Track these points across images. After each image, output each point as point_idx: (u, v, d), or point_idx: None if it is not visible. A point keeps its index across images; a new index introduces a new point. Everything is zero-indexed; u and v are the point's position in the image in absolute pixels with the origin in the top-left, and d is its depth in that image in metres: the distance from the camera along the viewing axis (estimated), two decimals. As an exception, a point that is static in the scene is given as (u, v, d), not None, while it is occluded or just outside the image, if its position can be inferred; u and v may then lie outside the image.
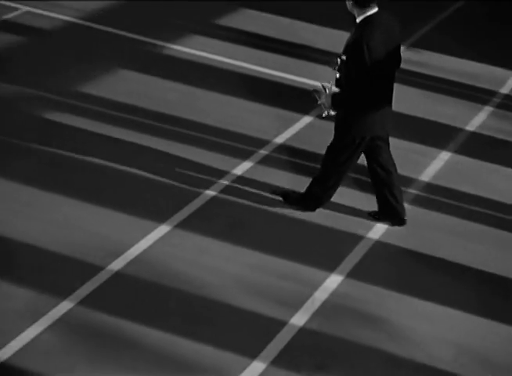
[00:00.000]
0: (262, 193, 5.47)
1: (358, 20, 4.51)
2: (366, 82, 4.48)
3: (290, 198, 5.30)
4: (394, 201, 5.02)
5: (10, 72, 6.93)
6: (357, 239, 5.11)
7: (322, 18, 8.26)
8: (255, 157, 5.89)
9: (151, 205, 5.30)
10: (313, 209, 5.24)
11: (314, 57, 7.47)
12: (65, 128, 6.12)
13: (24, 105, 6.42)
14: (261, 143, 6.06)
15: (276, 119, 6.36)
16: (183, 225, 5.14)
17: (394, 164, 5.02)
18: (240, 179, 5.60)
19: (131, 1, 8.50)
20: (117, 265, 4.74)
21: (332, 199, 5.38)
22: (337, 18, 8.27)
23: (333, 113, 4.75)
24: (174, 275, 4.70)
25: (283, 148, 5.99)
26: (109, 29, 7.84)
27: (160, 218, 5.18)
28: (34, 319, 4.30)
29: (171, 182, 5.55)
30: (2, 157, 5.73)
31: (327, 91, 4.66)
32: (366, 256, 4.96)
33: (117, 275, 4.67)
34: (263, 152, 5.96)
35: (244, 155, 5.88)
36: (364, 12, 4.46)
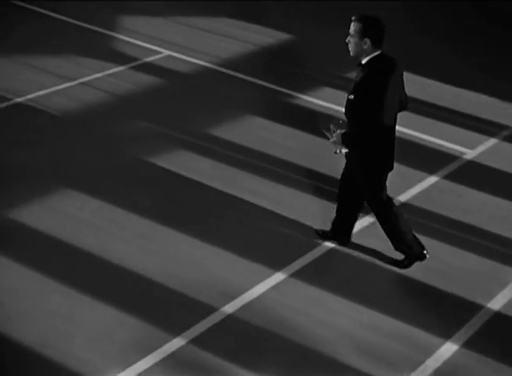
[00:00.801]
0: (380, 250, 5.39)
1: (364, 61, 4.70)
2: (375, 120, 4.65)
3: (403, 263, 5.22)
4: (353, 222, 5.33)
5: (148, 111, 7.28)
6: (476, 307, 4.92)
7: (463, 81, 8.17)
8: (376, 212, 5.83)
9: (268, 252, 5.35)
10: (416, 255, 5.15)
11: (441, 115, 7.38)
12: (191, 168, 6.33)
13: (156, 143, 6.72)
14: (383, 200, 5.99)
15: (400, 177, 6.29)
16: (298, 275, 5.14)
17: None
18: (359, 234, 5.55)
19: (266, 51, 8.76)
20: (230, 307, 4.81)
21: (453, 263, 5.23)
22: (482, 82, 8.15)
23: (344, 150, 4.89)
24: (283, 323, 4.70)
25: (405, 206, 5.90)
26: (244, 76, 8.10)
27: (277, 265, 5.22)
28: (146, 353, 4.42)
29: (291, 230, 5.60)
30: (129, 192, 5.99)
31: (337, 130, 4.79)
32: (484, 326, 4.76)
33: (229, 317, 4.73)
34: (384, 208, 5.89)
35: (363, 210, 5.84)
36: (372, 52, 4.67)
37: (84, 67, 8.16)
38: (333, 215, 5.33)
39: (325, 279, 5.11)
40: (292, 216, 5.76)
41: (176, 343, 4.49)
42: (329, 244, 5.45)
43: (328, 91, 7.76)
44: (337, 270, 5.21)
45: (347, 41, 4.69)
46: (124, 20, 9.45)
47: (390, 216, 5.04)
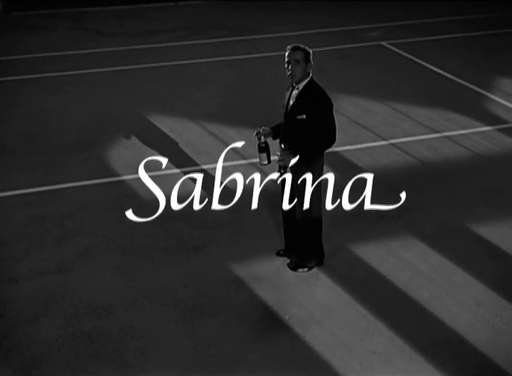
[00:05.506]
0: None
1: (304, 82, 5.25)
2: (330, 131, 5.26)
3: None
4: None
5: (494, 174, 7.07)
6: None
7: None
8: None
9: None
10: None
11: None
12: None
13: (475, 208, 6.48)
14: None
15: None
16: None
17: None
18: None
19: None
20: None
21: None
22: None
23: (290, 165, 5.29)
24: None
25: None
26: None
27: None
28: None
29: None
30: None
31: (282, 151, 5.27)
32: None
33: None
34: None
35: None
36: (308, 76, 5.29)
37: (452, 122, 8.22)
38: None
39: None
40: None
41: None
42: None
43: None
44: None
45: (290, 68, 5.16)
46: (502, 82, 9.31)
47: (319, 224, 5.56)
